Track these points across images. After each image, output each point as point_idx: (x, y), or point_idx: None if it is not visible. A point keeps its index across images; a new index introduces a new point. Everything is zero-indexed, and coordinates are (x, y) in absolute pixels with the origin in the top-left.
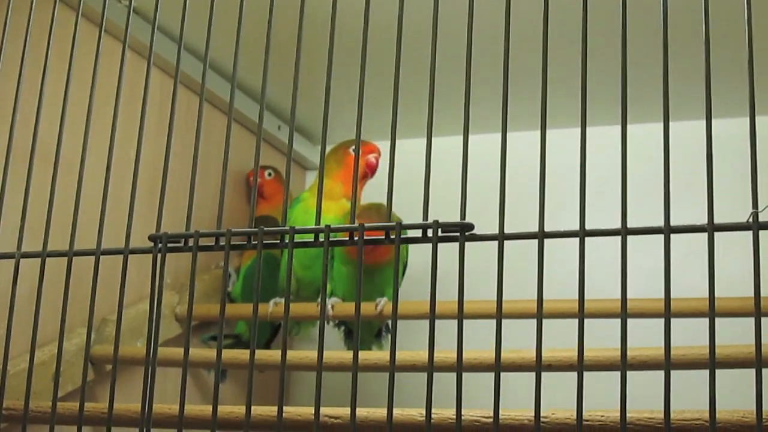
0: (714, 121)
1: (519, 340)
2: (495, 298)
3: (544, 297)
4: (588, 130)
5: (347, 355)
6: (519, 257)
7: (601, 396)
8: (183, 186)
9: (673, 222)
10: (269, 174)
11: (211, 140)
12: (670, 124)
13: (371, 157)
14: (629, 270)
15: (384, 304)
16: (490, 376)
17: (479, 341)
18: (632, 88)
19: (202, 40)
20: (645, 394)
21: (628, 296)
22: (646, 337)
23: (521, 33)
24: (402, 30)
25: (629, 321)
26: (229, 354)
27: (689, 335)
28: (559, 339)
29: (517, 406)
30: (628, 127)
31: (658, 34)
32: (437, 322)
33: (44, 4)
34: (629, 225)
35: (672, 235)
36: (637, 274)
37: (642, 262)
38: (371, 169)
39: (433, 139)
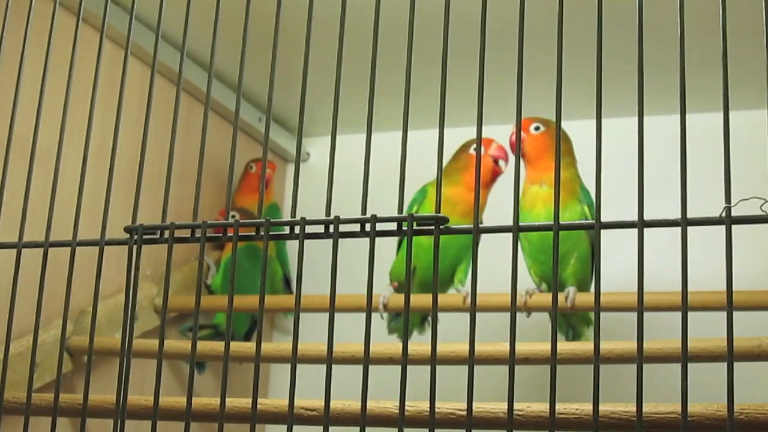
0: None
1: (494, 333)
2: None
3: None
4: (571, 123)
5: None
6: (491, 250)
7: (580, 389)
8: (163, 178)
9: (650, 216)
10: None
11: (193, 133)
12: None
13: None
14: (606, 263)
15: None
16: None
17: (456, 334)
18: (608, 83)
19: (182, 31)
20: (623, 388)
21: (608, 290)
22: (623, 330)
23: (496, 26)
24: (379, 21)
25: (607, 315)
26: (207, 345)
27: (668, 329)
28: (539, 333)
29: (495, 399)
30: (607, 121)
31: (633, 30)
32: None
33: None
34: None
35: (650, 230)
36: (614, 269)
37: (618, 256)
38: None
39: (410, 133)
